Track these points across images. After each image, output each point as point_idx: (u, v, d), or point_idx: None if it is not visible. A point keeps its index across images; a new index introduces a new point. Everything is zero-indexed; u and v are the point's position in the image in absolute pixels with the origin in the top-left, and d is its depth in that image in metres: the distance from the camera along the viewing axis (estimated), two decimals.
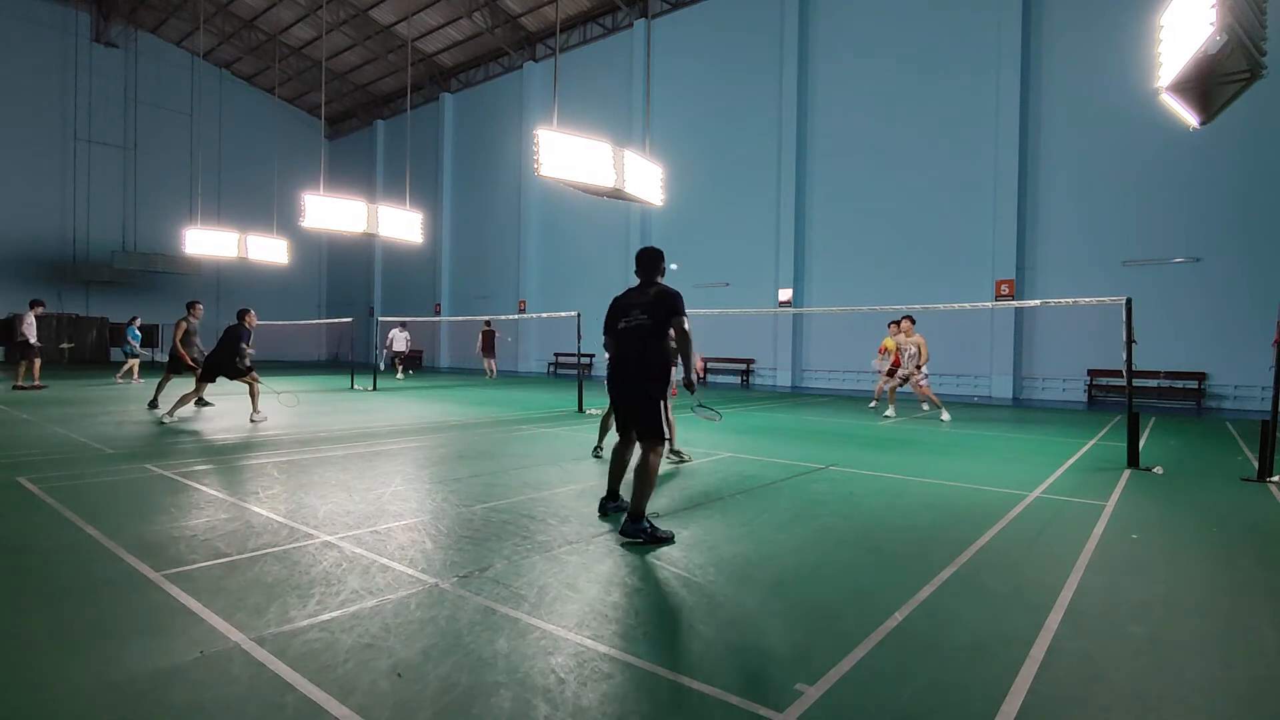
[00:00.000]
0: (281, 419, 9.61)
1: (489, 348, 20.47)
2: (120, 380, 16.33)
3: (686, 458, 6.60)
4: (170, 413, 9.11)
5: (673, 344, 4.23)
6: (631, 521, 3.93)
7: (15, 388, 13.28)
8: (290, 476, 5.66)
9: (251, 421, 9.07)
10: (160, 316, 27.89)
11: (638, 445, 4.28)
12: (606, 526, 4.22)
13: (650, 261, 4.47)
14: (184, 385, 10.46)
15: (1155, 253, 14.08)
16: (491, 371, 20.85)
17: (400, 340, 20.58)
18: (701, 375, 13.74)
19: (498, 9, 24.68)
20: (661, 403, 4.16)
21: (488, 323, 20.71)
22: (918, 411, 11.95)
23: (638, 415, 4.22)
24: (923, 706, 2.16)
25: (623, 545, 3.85)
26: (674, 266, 21.53)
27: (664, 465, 6.24)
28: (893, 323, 11.47)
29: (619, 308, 4.41)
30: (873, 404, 12.71)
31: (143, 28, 29.91)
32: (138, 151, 30.09)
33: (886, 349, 11.57)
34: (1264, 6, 4.80)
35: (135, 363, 16.53)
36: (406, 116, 27.51)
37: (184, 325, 11.17)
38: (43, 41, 27.41)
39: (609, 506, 4.57)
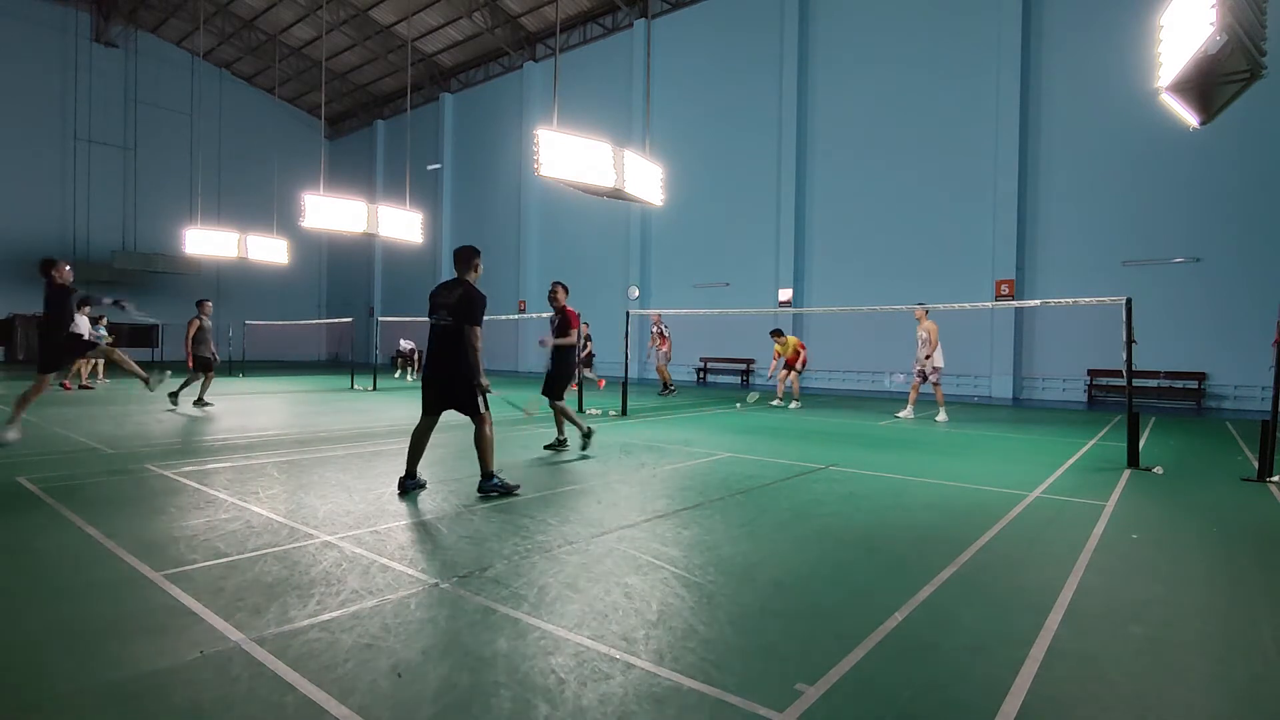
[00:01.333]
0: (282, 419, 9.61)
1: None
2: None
3: (564, 439, 7.20)
4: (175, 401, 9.73)
5: (577, 342, 6.11)
6: (484, 479, 4.93)
7: (78, 386, 13.68)
8: (290, 476, 5.65)
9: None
10: (160, 317, 27.87)
11: (471, 421, 4.98)
12: (606, 526, 4.23)
13: (462, 259, 5.03)
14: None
15: (1155, 253, 14.08)
16: None
17: (404, 342, 20.74)
18: (665, 361, 14.97)
19: (498, 9, 24.67)
20: (476, 386, 4.85)
21: None
22: (932, 411, 11.90)
23: (454, 398, 4.92)
24: (923, 706, 2.16)
25: (480, 500, 4.78)
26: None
27: (572, 450, 7.09)
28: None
29: (431, 303, 4.98)
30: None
31: (143, 28, 29.91)
32: (138, 151, 30.09)
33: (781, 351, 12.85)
34: (1264, 6, 4.81)
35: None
36: (406, 116, 27.49)
37: (197, 323, 11.32)
38: (43, 41, 27.41)
39: (408, 485, 5.01)
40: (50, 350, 7.24)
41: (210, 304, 11.83)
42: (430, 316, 4.95)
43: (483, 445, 4.93)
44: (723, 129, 20.71)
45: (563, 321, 7.10)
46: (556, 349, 7.10)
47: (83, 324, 8.10)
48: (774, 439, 8.47)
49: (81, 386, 13.53)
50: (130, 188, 29.99)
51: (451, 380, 4.90)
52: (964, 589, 3.21)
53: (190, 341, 11.26)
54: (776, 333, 13.05)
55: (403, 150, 30.47)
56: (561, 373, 7.12)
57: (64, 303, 7.07)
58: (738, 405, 12.95)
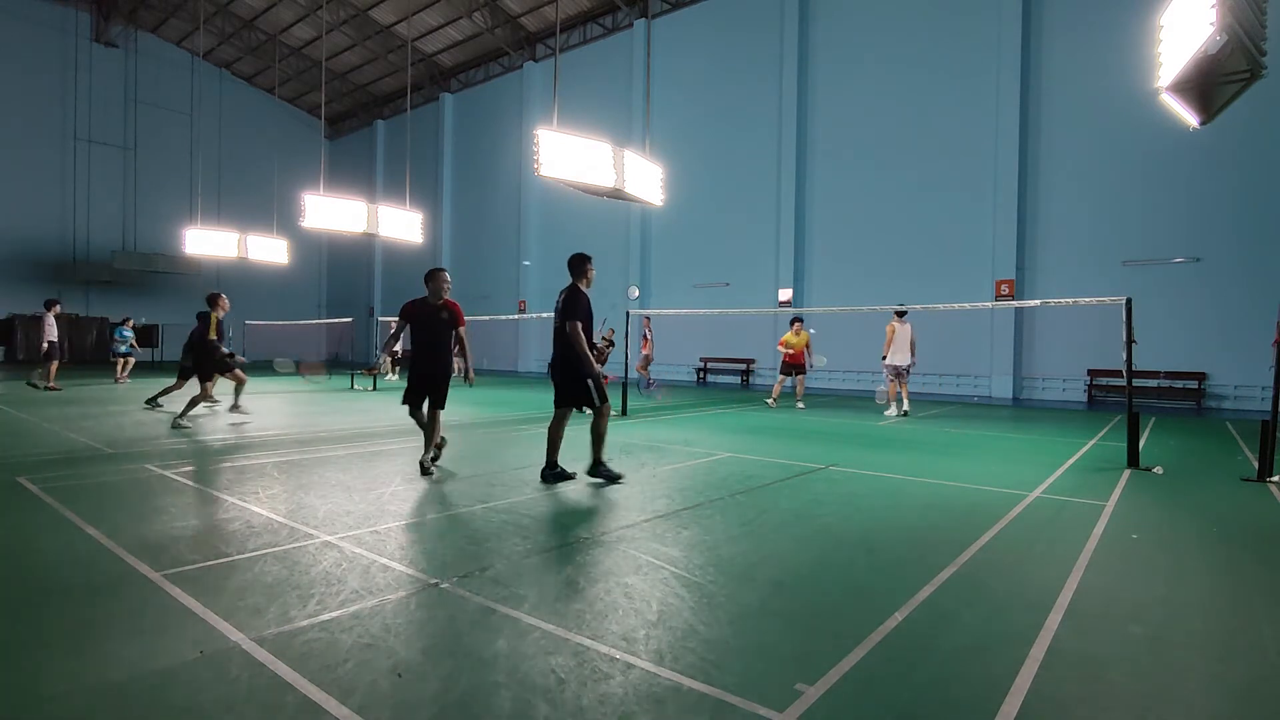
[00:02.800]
0: (281, 419, 9.60)
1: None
2: (124, 380, 16.37)
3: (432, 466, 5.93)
4: (183, 415, 8.73)
5: (602, 341, 5.68)
6: (593, 465, 5.51)
7: (31, 384, 13.36)
8: (290, 476, 5.65)
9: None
10: (161, 317, 27.89)
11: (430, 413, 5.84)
12: (606, 526, 4.23)
13: (574, 265, 5.63)
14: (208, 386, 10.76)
15: (1155, 253, 14.08)
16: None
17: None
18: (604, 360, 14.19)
19: (498, 9, 24.67)
20: (587, 377, 5.36)
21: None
22: (923, 411, 11.96)
23: (572, 394, 5.46)
24: (923, 706, 2.16)
25: (544, 487, 5.30)
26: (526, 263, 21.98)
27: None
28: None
29: (422, 317, 5.88)
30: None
31: (143, 28, 29.90)
32: (138, 151, 30.08)
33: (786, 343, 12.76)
34: (1264, 6, 4.80)
35: (130, 361, 16.60)
36: (406, 116, 27.50)
37: (216, 320, 11.12)
38: (43, 41, 27.40)
39: (546, 475, 5.45)
40: (209, 364, 9.35)
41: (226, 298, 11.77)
42: (425, 328, 5.81)
43: (595, 435, 5.44)
44: (723, 129, 20.71)
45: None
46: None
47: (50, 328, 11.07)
48: (774, 439, 8.46)
49: (53, 388, 13.41)
50: (130, 188, 29.99)
51: (563, 374, 5.44)
52: (964, 589, 3.21)
53: (214, 342, 11.19)
54: (797, 320, 12.83)
55: (403, 150, 30.47)
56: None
57: (218, 328, 9.59)
58: (768, 401, 12.97)
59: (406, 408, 6.05)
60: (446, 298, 6.02)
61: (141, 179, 30.18)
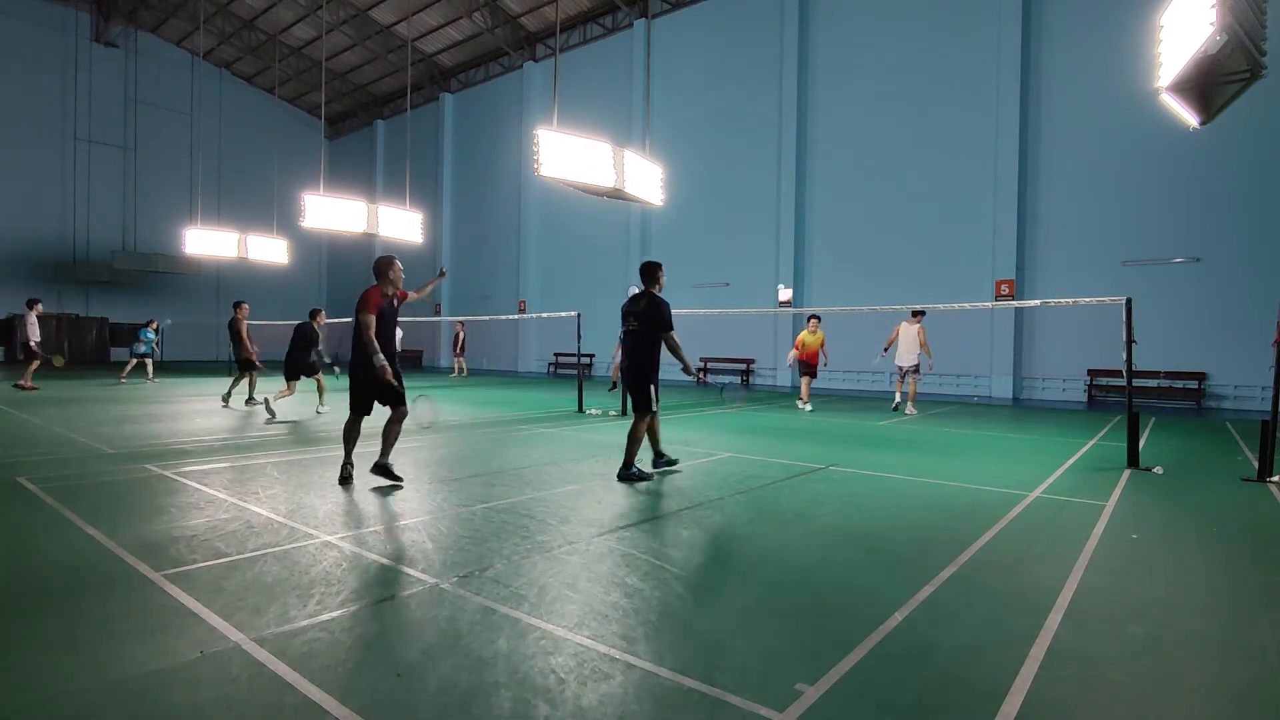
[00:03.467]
0: (283, 419, 9.60)
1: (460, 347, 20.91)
2: (124, 380, 16.37)
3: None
4: (268, 407, 9.70)
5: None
6: (625, 467, 5.63)
7: (17, 386, 13.33)
8: (290, 476, 5.65)
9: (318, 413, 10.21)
10: (161, 317, 27.82)
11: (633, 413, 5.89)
12: (606, 526, 4.23)
13: (647, 273, 5.73)
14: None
15: (1155, 253, 14.08)
16: (461, 370, 21.10)
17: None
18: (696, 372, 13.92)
19: (498, 9, 24.67)
20: (651, 386, 5.65)
21: (461, 323, 21.20)
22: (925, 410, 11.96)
23: (634, 393, 5.72)
24: (923, 706, 2.16)
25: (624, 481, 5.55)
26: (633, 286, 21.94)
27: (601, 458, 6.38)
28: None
29: (623, 314, 5.79)
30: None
31: (143, 28, 29.90)
32: (138, 151, 30.08)
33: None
34: (1264, 6, 4.80)
35: (148, 362, 16.63)
36: (406, 116, 27.50)
37: (245, 324, 11.64)
38: (43, 41, 27.40)
39: (657, 463, 5.98)
40: (298, 365, 10.32)
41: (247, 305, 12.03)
42: (622, 325, 5.77)
43: (632, 437, 5.71)
44: (723, 129, 20.70)
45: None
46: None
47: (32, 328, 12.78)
48: (774, 439, 8.46)
49: (26, 388, 13.34)
50: (130, 188, 29.98)
51: (634, 377, 5.73)
52: (964, 589, 3.21)
53: (247, 342, 11.50)
54: (814, 318, 12.38)
55: (403, 150, 30.46)
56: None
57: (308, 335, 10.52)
58: (800, 403, 12.49)
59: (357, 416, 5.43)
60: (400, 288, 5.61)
61: (141, 179, 30.18)
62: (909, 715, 2.10)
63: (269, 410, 9.55)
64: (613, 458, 6.79)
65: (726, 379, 16.31)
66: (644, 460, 6.04)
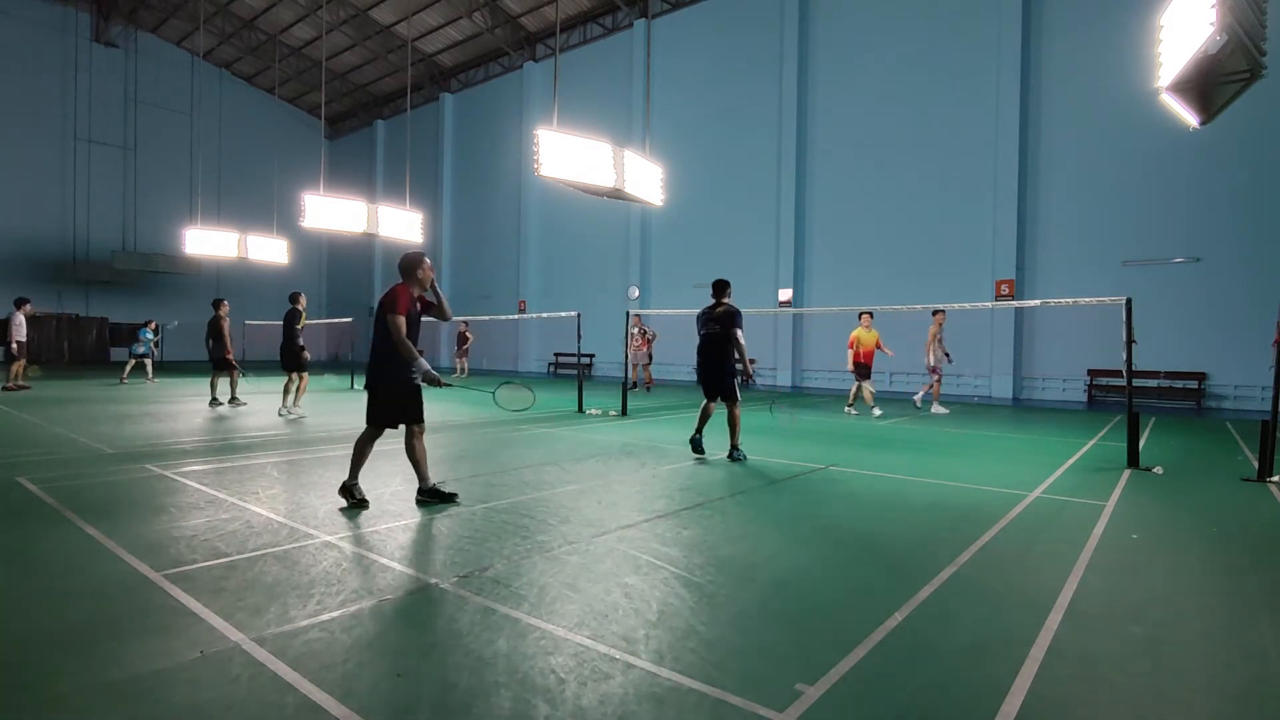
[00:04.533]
0: (282, 419, 9.61)
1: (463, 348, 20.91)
2: (125, 380, 16.38)
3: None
4: (292, 407, 9.99)
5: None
6: (732, 449, 6.74)
7: (6, 388, 13.24)
8: (290, 476, 5.66)
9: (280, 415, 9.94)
10: (161, 317, 27.82)
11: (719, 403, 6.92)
12: (606, 526, 4.23)
13: (719, 288, 7.05)
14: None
15: (1155, 253, 14.07)
16: (463, 370, 21.11)
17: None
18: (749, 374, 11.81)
19: (498, 9, 24.67)
20: (733, 380, 6.79)
21: (466, 324, 21.14)
22: (919, 409, 11.97)
23: (719, 388, 6.82)
24: (923, 706, 2.16)
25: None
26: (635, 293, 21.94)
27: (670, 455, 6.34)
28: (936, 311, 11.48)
29: (701, 321, 6.96)
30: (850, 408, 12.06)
31: (143, 28, 29.89)
32: (138, 151, 30.07)
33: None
34: (1264, 6, 4.80)
35: (148, 362, 16.63)
36: (406, 116, 27.48)
37: (226, 322, 11.66)
38: (43, 41, 27.39)
39: (696, 441, 6.77)
40: (293, 355, 10.23)
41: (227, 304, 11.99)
42: (700, 330, 6.90)
43: (732, 424, 6.80)
44: (723, 129, 20.69)
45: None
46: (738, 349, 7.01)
47: (19, 328, 13.15)
48: (774, 439, 8.46)
49: (11, 388, 13.32)
50: (130, 188, 29.97)
51: (717, 375, 6.79)
52: (964, 589, 3.21)
53: (228, 342, 11.47)
54: (866, 314, 11.45)
55: (403, 150, 30.45)
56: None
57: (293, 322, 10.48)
58: (847, 409, 11.71)
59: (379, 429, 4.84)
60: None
61: (141, 179, 30.17)
62: (909, 715, 2.10)
63: (289, 412, 9.89)
64: (613, 457, 6.80)
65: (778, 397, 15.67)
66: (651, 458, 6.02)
